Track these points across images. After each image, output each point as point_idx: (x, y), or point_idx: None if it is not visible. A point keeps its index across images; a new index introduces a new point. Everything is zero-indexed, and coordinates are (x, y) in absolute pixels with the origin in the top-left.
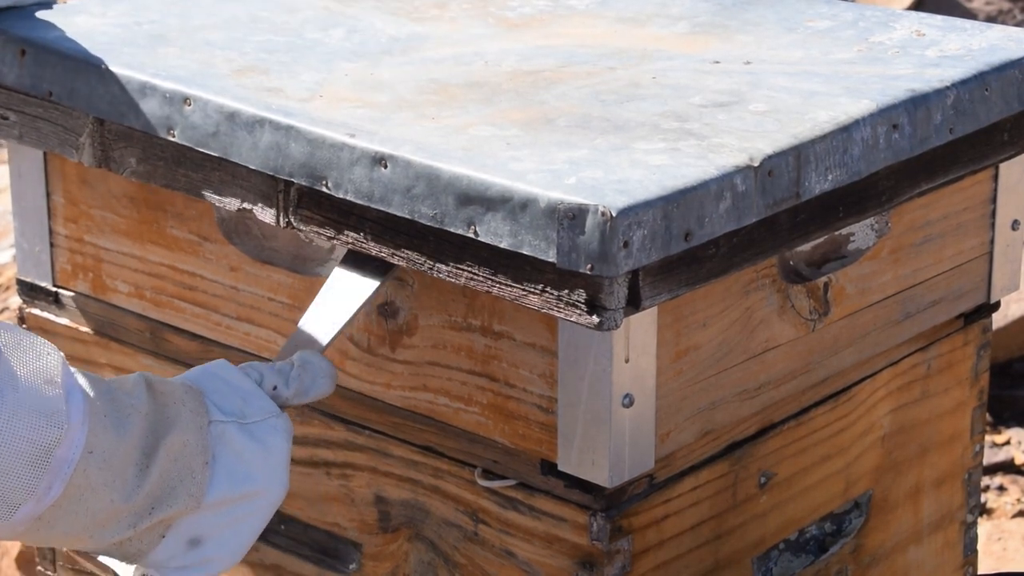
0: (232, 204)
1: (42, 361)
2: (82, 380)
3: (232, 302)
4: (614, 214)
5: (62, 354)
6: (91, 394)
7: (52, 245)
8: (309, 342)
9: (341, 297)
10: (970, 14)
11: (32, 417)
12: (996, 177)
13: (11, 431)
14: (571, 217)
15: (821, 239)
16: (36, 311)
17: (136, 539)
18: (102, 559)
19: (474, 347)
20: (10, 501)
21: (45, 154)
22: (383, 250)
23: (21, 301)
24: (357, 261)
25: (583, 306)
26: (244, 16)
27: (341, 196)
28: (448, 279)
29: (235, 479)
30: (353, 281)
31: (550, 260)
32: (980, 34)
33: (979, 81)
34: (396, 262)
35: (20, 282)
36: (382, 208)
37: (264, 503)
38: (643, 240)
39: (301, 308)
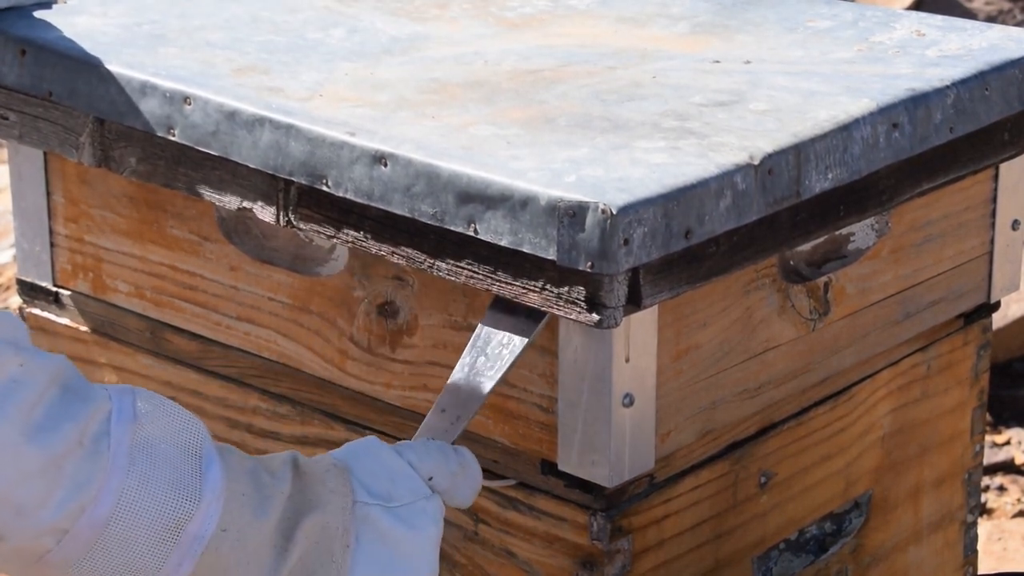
0: (232, 203)
1: (182, 433)
2: (224, 456)
3: (232, 302)
4: (614, 211)
5: (205, 428)
6: (231, 471)
7: (52, 245)
8: (463, 400)
9: (489, 355)
10: (970, 14)
11: (165, 489)
12: (996, 177)
13: (140, 501)
14: (571, 215)
15: (821, 238)
16: (36, 311)
17: None
18: None
19: None
20: (139, 573)
21: (45, 154)
22: (383, 248)
23: (21, 301)
24: (503, 313)
25: (583, 304)
26: (244, 16)
27: (341, 195)
28: (448, 277)
29: (378, 564)
30: (501, 336)
31: (550, 258)
32: (980, 34)
33: (979, 80)
34: (396, 260)
35: (20, 282)
36: (382, 207)
37: None
38: (643, 238)
39: (301, 308)
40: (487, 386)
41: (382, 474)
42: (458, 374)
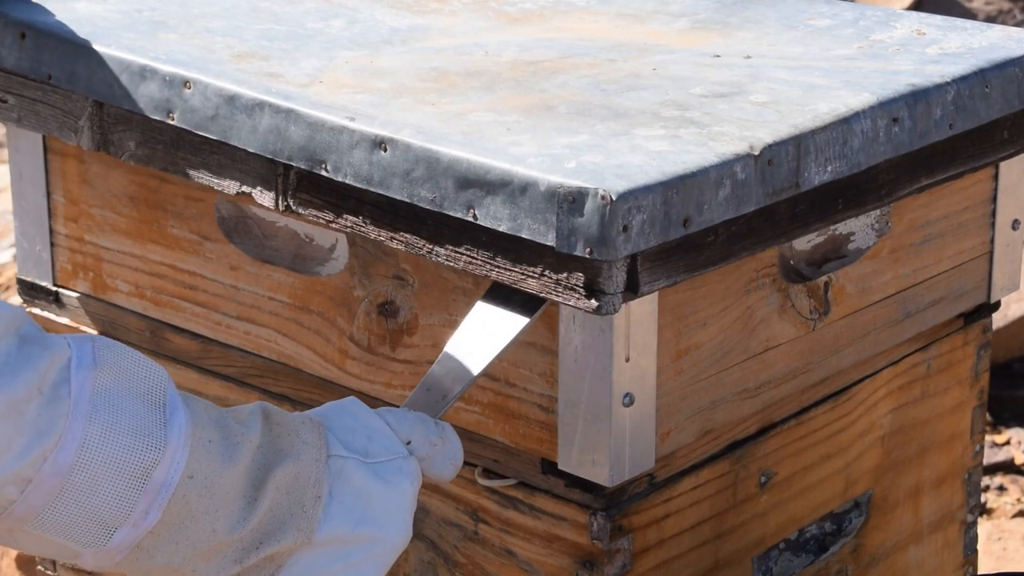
0: (231, 187)
1: (145, 380)
2: (189, 404)
3: (232, 301)
4: (614, 198)
5: (168, 376)
6: (197, 419)
7: (53, 244)
8: (452, 378)
9: (484, 335)
10: (970, 14)
11: (129, 436)
12: (996, 176)
13: (105, 448)
14: (571, 200)
15: (820, 236)
16: (36, 311)
17: None
18: None
19: None
20: (105, 522)
21: (46, 153)
22: (381, 234)
23: (21, 301)
24: (502, 296)
25: (581, 290)
26: (245, 5)
27: (340, 180)
28: (446, 263)
29: (351, 517)
30: (497, 318)
31: (549, 244)
32: (980, 33)
33: (979, 78)
34: (395, 246)
35: (20, 282)
36: (381, 192)
37: (383, 548)
38: (642, 225)
39: (301, 307)
40: (476, 369)
41: (360, 431)
42: (448, 355)
